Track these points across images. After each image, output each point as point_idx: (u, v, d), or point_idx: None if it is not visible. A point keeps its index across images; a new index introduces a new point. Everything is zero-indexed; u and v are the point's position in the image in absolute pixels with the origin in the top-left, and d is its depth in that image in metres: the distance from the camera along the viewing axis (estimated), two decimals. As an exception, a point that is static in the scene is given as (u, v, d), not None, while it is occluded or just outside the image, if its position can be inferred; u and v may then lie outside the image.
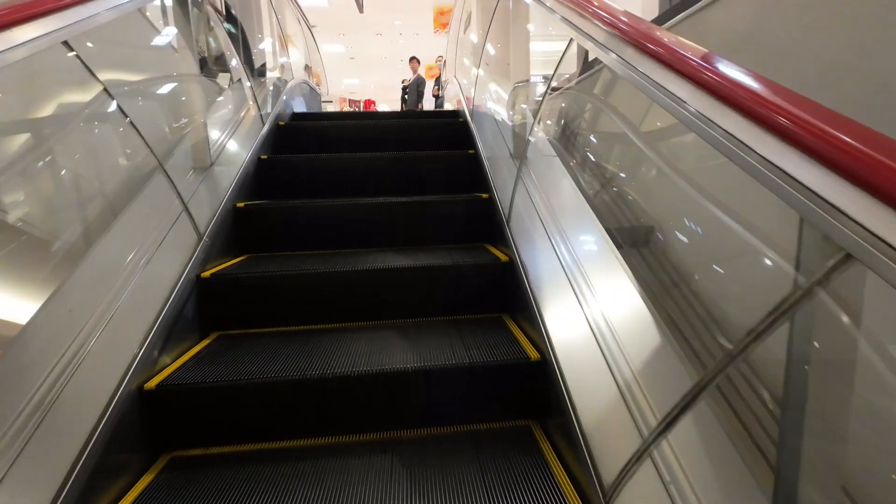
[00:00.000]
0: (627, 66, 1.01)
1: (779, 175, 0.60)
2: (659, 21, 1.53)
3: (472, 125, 2.99)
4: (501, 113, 2.38)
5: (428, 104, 8.30)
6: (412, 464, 1.18)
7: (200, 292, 1.62)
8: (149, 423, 1.23)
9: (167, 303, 1.40)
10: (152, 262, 1.37)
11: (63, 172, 1.17)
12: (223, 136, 2.19)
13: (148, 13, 1.72)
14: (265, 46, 3.46)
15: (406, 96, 7.93)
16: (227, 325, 1.69)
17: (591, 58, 1.32)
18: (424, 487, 1.09)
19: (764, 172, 0.63)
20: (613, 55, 1.08)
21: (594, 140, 1.39)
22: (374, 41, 12.62)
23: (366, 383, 1.32)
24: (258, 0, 3.45)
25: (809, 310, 0.57)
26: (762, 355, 0.65)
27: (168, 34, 1.90)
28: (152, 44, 1.79)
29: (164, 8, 1.86)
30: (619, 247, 1.06)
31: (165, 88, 1.80)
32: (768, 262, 0.71)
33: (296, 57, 4.56)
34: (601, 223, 1.17)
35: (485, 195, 2.22)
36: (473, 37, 3.62)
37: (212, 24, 2.36)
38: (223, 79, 2.40)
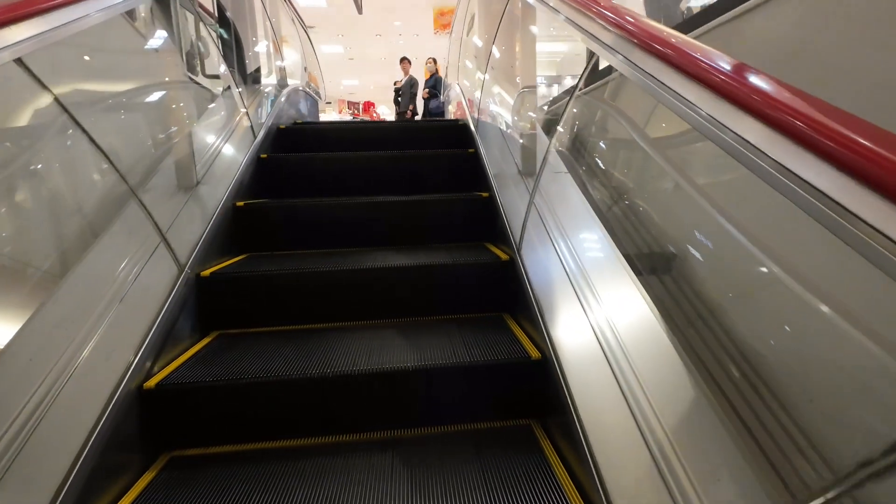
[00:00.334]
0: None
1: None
2: (680, 30, 1.43)
3: (477, 138, 2.84)
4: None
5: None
6: (413, 463, 1.18)
7: (200, 291, 1.62)
8: (148, 423, 1.22)
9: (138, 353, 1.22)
10: (122, 308, 1.19)
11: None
12: (211, 151, 2.03)
13: (126, 16, 1.54)
14: (259, 52, 3.33)
15: (399, 98, 7.80)
16: (226, 324, 1.69)
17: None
18: (425, 487, 1.09)
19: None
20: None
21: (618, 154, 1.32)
22: (374, 42, 12.62)
23: (366, 382, 1.31)
24: (252, 2, 3.31)
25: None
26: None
27: (149, 39, 1.74)
28: (129, 50, 1.61)
29: (134, 12, 1.62)
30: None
31: (143, 101, 1.63)
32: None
33: (291, 62, 4.42)
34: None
35: (485, 194, 2.22)
36: (478, 40, 3.47)
37: (201, 27, 2.22)
38: (212, 88, 2.25)
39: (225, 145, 2.18)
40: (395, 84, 8.02)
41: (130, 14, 1.59)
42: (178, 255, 1.53)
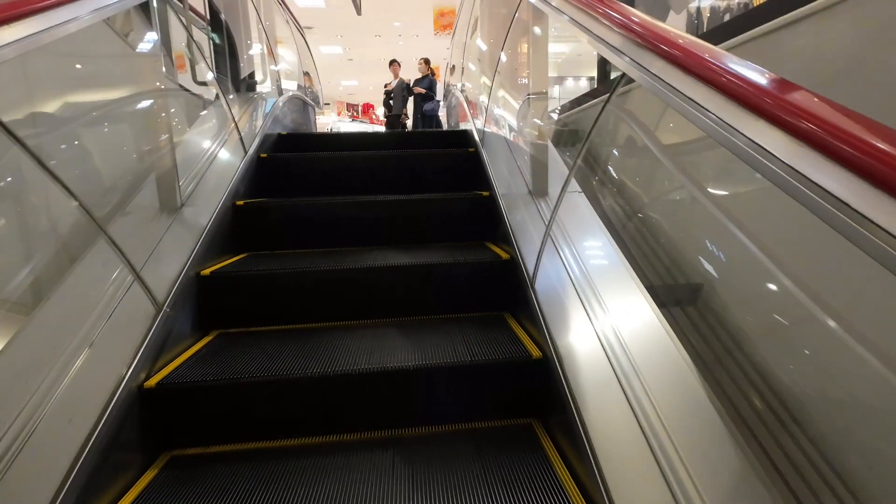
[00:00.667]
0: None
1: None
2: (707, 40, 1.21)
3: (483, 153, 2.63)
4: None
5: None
6: (414, 462, 1.17)
7: (200, 290, 1.62)
8: (149, 422, 1.22)
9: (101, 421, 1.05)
10: (85, 366, 1.04)
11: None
12: (196, 169, 1.84)
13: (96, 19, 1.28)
14: (252, 58, 3.13)
15: (391, 101, 7.57)
16: (227, 323, 1.68)
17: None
18: (426, 485, 1.09)
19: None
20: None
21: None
22: (373, 43, 12.61)
23: (367, 381, 1.31)
24: (245, 6, 3.13)
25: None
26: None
27: (125, 45, 1.54)
28: (99, 59, 1.40)
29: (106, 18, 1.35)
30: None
31: (116, 117, 1.44)
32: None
33: (287, 68, 4.23)
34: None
35: (485, 193, 2.23)
36: (482, 43, 3.31)
37: (189, 32, 2.05)
38: (199, 98, 2.08)
39: (210, 165, 1.97)
40: (385, 87, 7.74)
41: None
42: (156, 293, 1.36)
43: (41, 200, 1.06)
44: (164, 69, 1.75)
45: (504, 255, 1.80)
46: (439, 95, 7.06)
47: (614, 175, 1.28)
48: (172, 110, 1.82)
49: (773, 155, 0.60)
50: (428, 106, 7.08)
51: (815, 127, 0.56)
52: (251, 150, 2.47)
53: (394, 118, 7.58)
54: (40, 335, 0.96)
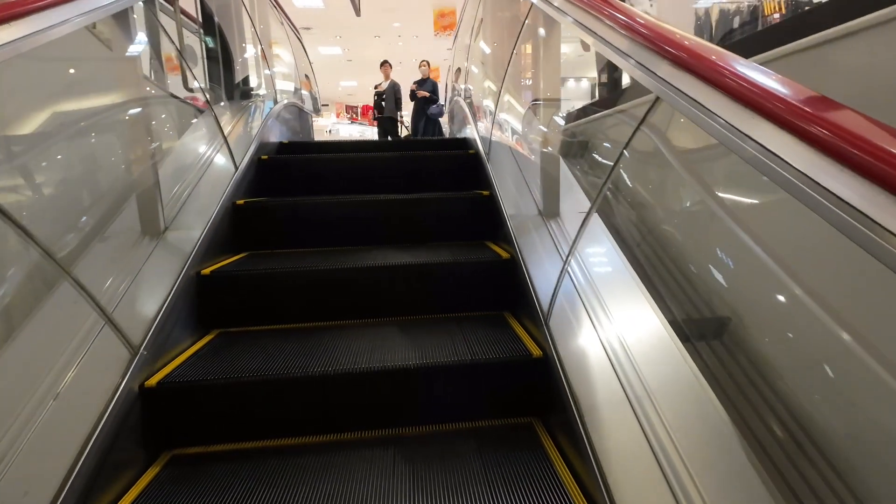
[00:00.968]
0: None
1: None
2: (735, 50, 0.89)
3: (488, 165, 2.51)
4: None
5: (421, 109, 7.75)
6: (414, 460, 1.17)
7: (200, 289, 1.62)
8: (150, 421, 1.22)
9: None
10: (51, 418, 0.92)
11: None
12: (178, 193, 1.67)
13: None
14: (244, 65, 2.96)
15: (384, 103, 7.43)
16: (227, 322, 1.68)
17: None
18: (427, 484, 1.09)
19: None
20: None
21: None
22: (373, 43, 12.60)
23: (368, 380, 1.31)
24: (238, 10, 2.95)
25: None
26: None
27: (98, 52, 1.38)
28: (66, 70, 1.24)
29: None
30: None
31: (86, 137, 1.29)
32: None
33: (282, 74, 4.00)
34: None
35: (486, 192, 2.23)
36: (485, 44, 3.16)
37: (178, 37, 1.88)
38: (184, 111, 1.91)
39: (196, 185, 1.82)
40: (375, 88, 7.62)
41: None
42: (130, 336, 1.22)
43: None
44: (143, 79, 1.59)
45: (504, 255, 1.80)
46: (441, 98, 7.01)
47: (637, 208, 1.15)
48: (153, 126, 1.66)
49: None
50: (434, 109, 6.99)
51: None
52: (241, 167, 2.28)
53: (385, 120, 7.51)
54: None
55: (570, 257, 1.28)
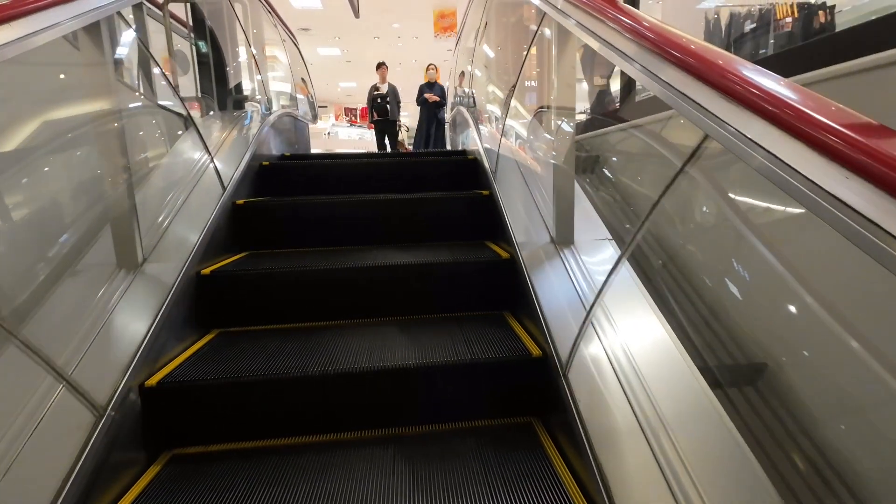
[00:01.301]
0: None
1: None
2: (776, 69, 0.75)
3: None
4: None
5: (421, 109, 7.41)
6: (414, 460, 1.18)
7: (200, 289, 1.62)
8: (150, 421, 1.22)
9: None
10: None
11: None
12: (160, 218, 1.53)
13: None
14: (235, 73, 2.79)
15: (387, 105, 7.12)
16: (227, 321, 1.68)
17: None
18: (427, 484, 1.09)
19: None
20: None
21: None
22: (372, 44, 12.59)
23: (368, 380, 1.31)
24: (230, 13, 2.78)
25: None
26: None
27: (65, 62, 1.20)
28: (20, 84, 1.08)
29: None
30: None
31: (44, 160, 1.12)
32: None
33: (276, 82, 3.82)
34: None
35: (485, 192, 2.23)
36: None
37: (168, 44, 1.74)
38: (166, 126, 1.74)
39: (177, 213, 1.64)
40: (374, 90, 7.26)
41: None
42: (95, 396, 1.05)
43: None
44: (113, 90, 1.34)
45: (504, 255, 1.81)
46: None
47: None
48: (127, 145, 1.38)
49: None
50: (442, 114, 6.80)
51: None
52: (229, 189, 2.08)
53: (387, 123, 7.24)
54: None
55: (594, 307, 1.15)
